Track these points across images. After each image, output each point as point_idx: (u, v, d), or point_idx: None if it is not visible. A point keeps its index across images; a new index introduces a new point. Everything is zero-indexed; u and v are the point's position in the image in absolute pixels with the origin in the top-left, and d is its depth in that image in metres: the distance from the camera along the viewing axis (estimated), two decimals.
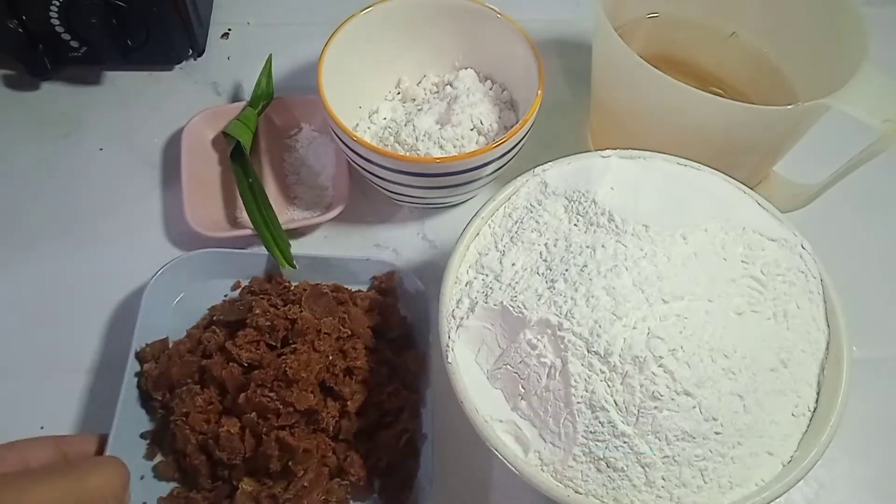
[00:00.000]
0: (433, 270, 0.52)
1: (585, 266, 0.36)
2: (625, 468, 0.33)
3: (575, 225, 0.39)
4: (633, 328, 0.34)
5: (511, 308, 0.36)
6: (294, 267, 0.49)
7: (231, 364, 0.43)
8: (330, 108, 0.47)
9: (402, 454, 0.43)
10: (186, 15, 0.58)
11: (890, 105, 0.42)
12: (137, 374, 0.45)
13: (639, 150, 0.43)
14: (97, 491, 0.33)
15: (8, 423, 0.45)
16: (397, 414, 0.44)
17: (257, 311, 0.44)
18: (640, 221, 0.38)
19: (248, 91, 0.61)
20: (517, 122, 0.48)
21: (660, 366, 0.33)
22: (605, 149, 0.43)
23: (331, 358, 0.43)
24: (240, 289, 0.50)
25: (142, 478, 0.42)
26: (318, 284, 0.47)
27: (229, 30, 0.66)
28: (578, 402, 0.34)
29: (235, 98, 0.61)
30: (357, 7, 0.52)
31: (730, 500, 0.34)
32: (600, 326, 0.34)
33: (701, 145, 0.45)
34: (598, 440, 0.34)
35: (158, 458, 0.44)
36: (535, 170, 0.42)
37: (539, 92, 0.49)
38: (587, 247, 0.37)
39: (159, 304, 0.47)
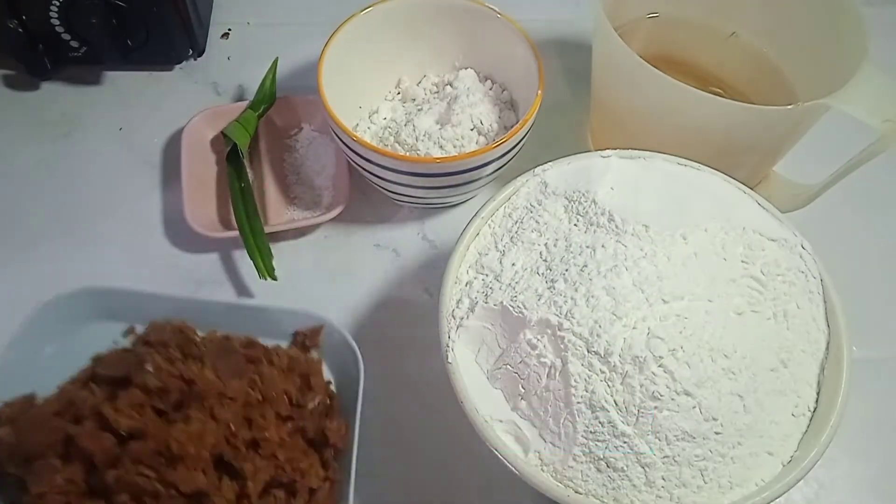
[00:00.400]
0: (433, 270, 0.52)
1: (585, 266, 0.36)
2: (625, 468, 0.33)
3: (575, 225, 0.39)
4: (633, 328, 0.34)
5: (511, 308, 0.36)
6: (275, 279, 0.47)
7: (104, 433, 0.35)
8: (330, 108, 0.47)
9: None
10: (186, 15, 0.58)
11: (890, 105, 0.42)
12: None
13: (639, 150, 0.43)
14: None
15: None
16: (310, 496, 0.37)
17: (148, 368, 0.37)
18: (640, 221, 0.37)
19: (248, 91, 0.61)
20: (517, 122, 0.48)
21: (660, 366, 0.33)
22: (605, 149, 0.43)
23: (233, 427, 0.36)
24: (132, 335, 0.43)
25: None
26: (227, 338, 0.40)
27: (229, 30, 0.66)
28: (578, 402, 0.34)
29: (235, 98, 0.61)
30: (357, 7, 0.52)
31: (730, 500, 0.34)
32: (600, 326, 0.34)
33: (701, 145, 0.45)
34: (598, 440, 0.34)
35: None
36: (535, 170, 0.42)
37: (539, 92, 0.49)
38: (587, 247, 0.37)
39: (30, 351, 0.40)
